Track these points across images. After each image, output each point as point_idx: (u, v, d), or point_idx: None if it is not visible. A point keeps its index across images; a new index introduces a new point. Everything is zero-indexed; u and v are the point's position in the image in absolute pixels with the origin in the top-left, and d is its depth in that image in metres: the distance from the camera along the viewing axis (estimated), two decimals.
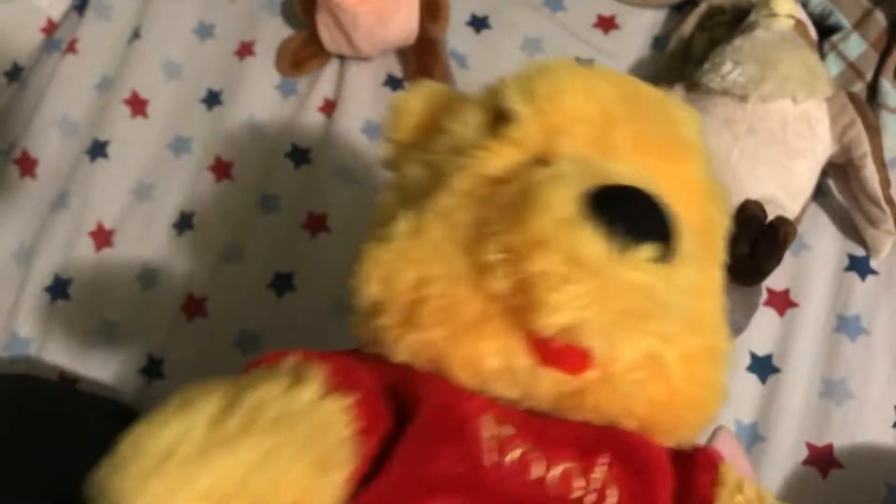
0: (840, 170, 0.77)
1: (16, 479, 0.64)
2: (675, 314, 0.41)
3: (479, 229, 0.43)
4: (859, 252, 0.78)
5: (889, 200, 0.74)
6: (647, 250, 0.39)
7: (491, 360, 0.43)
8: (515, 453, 0.41)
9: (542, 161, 0.45)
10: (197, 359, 0.79)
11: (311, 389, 0.38)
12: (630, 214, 0.40)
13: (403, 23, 0.88)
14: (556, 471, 0.41)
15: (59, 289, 0.83)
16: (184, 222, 0.85)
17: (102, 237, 0.85)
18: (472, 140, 0.47)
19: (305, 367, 0.40)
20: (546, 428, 0.43)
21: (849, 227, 0.79)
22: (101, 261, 0.84)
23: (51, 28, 0.98)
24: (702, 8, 0.89)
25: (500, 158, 0.46)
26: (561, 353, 0.42)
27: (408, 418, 0.42)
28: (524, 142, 0.46)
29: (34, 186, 0.88)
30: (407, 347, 0.44)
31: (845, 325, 0.75)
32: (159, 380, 0.79)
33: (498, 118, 0.47)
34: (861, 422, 0.71)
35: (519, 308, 0.40)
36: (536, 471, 0.41)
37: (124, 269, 0.84)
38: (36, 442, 0.66)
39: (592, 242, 0.38)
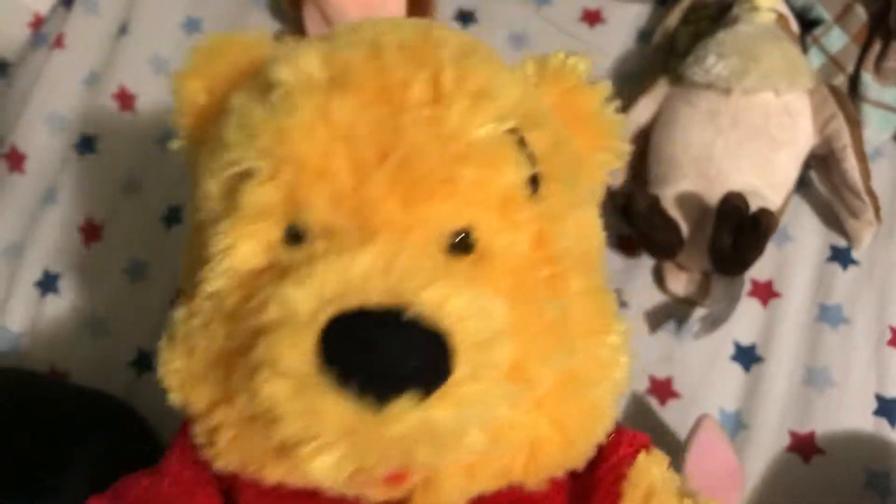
0: (822, 162, 0.78)
1: (8, 470, 0.64)
2: (484, 413, 0.35)
3: (230, 370, 0.38)
4: (841, 243, 0.79)
5: (869, 192, 0.75)
6: (402, 402, 0.33)
7: (303, 483, 0.40)
8: None
9: (294, 234, 0.40)
10: None
11: None
12: (376, 360, 0.33)
13: (390, 17, 0.89)
14: None
15: (48, 283, 0.83)
16: (172, 216, 0.86)
17: (91, 231, 0.85)
18: (215, 213, 0.41)
19: None
20: None
21: (831, 219, 0.80)
22: (90, 255, 0.85)
23: (38, 23, 0.98)
24: (686, 2, 0.89)
25: (248, 241, 0.40)
26: (367, 482, 0.38)
27: None
28: (268, 210, 0.39)
29: (23, 182, 0.88)
30: (222, 468, 0.42)
31: (827, 315, 0.76)
32: (149, 372, 0.79)
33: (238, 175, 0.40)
34: (842, 409, 0.72)
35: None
36: None
37: (113, 263, 0.84)
38: (27, 434, 0.66)
39: (336, 410, 0.33)
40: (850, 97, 0.80)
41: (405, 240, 0.37)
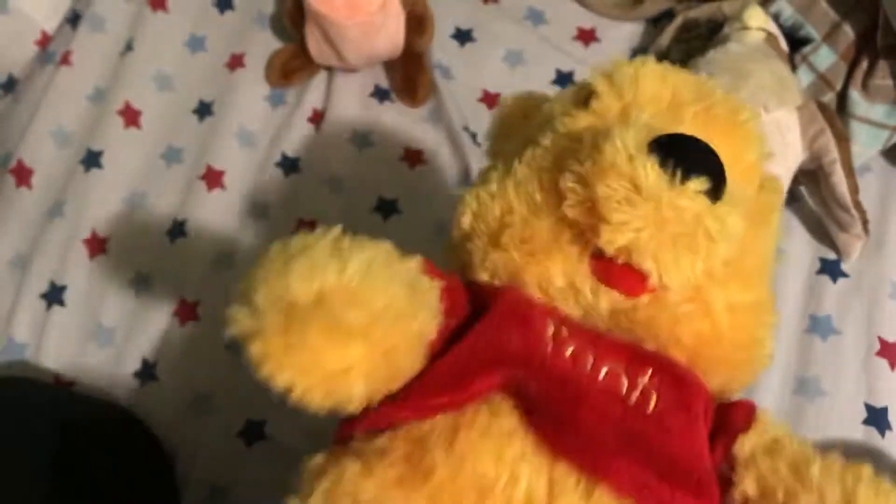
0: (811, 176, 0.80)
1: (14, 479, 0.65)
2: (721, 251, 0.46)
3: (558, 165, 0.49)
4: (831, 256, 0.81)
5: (857, 205, 0.77)
6: (697, 183, 0.44)
7: (559, 279, 0.49)
8: (570, 349, 0.48)
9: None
10: (190, 362, 0.81)
11: (412, 262, 0.48)
12: (686, 154, 0.45)
13: (390, 36, 0.90)
14: (605, 369, 0.48)
15: (54, 295, 0.84)
16: (176, 230, 0.87)
17: (96, 244, 0.87)
18: (559, 112, 0.54)
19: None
20: (600, 338, 0.49)
21: (820, 232, 0.82)
22: (95, 267, 0.86)
23: (45, 40, 1.00)
24: (678, 21, 0.91)
25: (581, 121, 0.52)
26: (619, 274, 0.48)
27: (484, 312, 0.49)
28: (603, 113, 0.52)
29: (29, 195, 0.90)
30: (490, 264, 0.52)
31: (817, 326, 0.77)
32: (153, 382, 0.80)
33: (584, 100, 0.53)
34: (832, 418, 0.73)
35: (586, 229, 0.47)
36: (588, 365, 0.48)
37: (118, 276, 0.85)
38: (33, 442, 0.67)
39: (651, 172, 0.44)
40: (838, 114, 0.81)
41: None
